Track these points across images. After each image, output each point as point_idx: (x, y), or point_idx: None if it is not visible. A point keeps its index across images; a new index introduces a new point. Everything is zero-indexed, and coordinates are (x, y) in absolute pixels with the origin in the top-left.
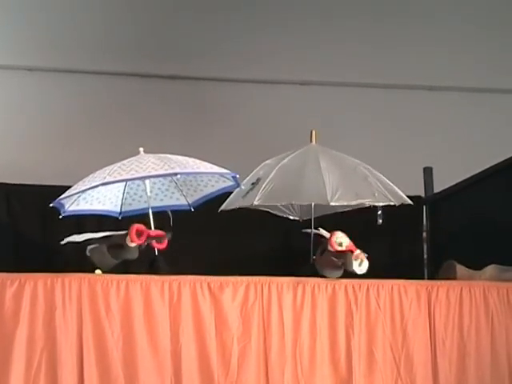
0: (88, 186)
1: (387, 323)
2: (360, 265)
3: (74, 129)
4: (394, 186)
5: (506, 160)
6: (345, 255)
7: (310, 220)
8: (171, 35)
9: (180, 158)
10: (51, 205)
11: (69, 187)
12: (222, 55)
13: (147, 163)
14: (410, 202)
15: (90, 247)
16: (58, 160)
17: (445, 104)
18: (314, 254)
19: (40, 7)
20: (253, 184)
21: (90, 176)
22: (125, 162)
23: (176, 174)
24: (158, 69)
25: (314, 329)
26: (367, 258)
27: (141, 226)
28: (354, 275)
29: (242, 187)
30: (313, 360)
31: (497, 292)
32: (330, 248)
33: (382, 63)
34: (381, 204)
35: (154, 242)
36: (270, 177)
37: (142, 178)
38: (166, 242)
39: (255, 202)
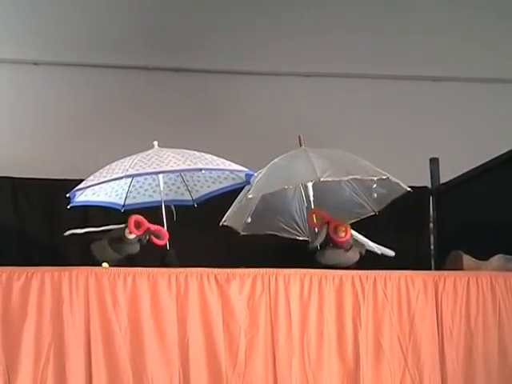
0: (110, 178)
1: (394, 314)
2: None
3: (79, 122)
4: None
5: None
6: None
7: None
8: (175, 28)
9: (197, 153)
10: (68, 195)
11: (75, 181)
12: (227, 47)
13: (167, 157)
14: (406, 188)
15: (92, 244)
16: (64, 154)
17: (450, 94)
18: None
19: (45, 1)
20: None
21: (107, 167)
22: (143, 154)
23: (200, 170)
24: (163, 61)
25: (321, 320)
26: None
27: (139, 217)
28: (361, 266)
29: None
30: (320, 351)
31: (504, 282)
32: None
33: (386, 54)
34: (375, 178)
35: (153, 238)
36: (261, 175)
37: (167, 172)
38: (166, 238)
39: (249, 196)
